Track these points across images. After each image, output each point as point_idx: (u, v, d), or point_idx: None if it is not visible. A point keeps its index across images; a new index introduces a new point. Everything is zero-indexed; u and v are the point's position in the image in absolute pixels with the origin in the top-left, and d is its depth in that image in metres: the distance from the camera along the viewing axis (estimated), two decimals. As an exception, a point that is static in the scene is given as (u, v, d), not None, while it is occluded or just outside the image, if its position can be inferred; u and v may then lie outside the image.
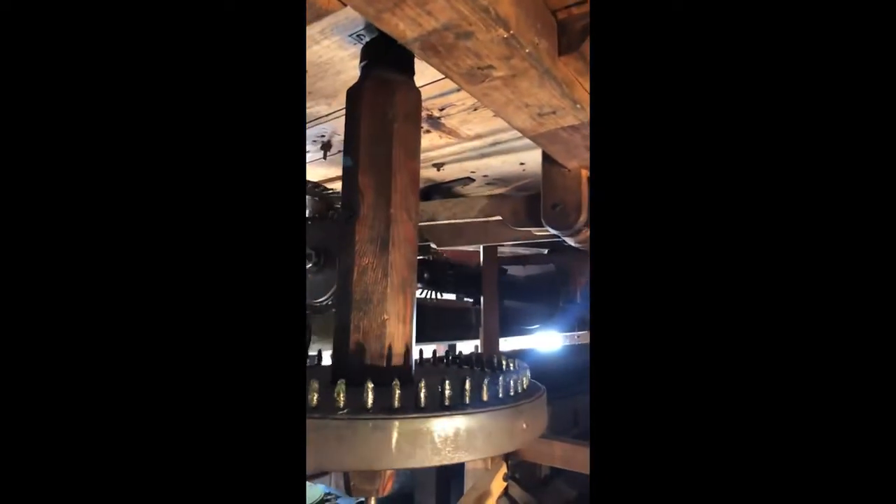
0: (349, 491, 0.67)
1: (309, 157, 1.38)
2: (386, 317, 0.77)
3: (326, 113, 1.11)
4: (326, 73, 0.94)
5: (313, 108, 1.10)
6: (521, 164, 1.40)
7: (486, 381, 0.63)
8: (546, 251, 2.27)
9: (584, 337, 2.88)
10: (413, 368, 0.80)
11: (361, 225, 0.79)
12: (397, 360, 0.76)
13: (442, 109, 1.09)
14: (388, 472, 0.70)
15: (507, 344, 2.65)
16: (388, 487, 0.71)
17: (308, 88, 1.01)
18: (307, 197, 1.36)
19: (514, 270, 2.43)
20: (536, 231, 1.24)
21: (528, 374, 0.78)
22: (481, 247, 1.97)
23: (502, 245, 2.04)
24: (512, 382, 0.69)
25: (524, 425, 0.64)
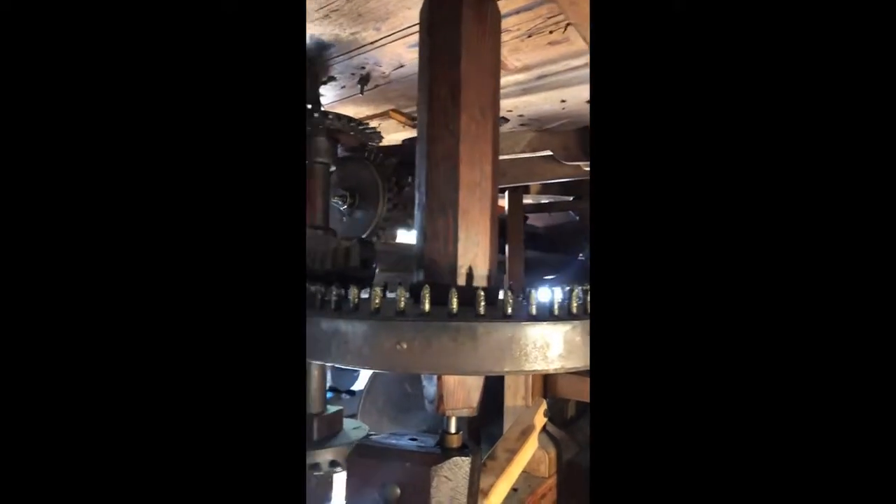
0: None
1: (344, 92, 1.34)
2: (426, 239, 0.76)
3: (373, 39, 1.07)
4: (382, -9, 0.90)
5: (358, 35, 1.05)
6: (563, 101, 1.36)
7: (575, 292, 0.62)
8: (571, 198, 2.25)
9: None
10: (461, 284, 0.76)
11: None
12: (445, 279, 0.74)
13: (493, 36, 1.05)
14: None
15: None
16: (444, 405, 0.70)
17: (357, 10, 0.97)
18: (342, 133, 1.32)
19: (536, 220, 2.41)
20: (586, 166, 1.22)
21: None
22: (507, 195, 1.94)
23: (527, 193, 2.02)
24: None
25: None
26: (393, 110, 1.48)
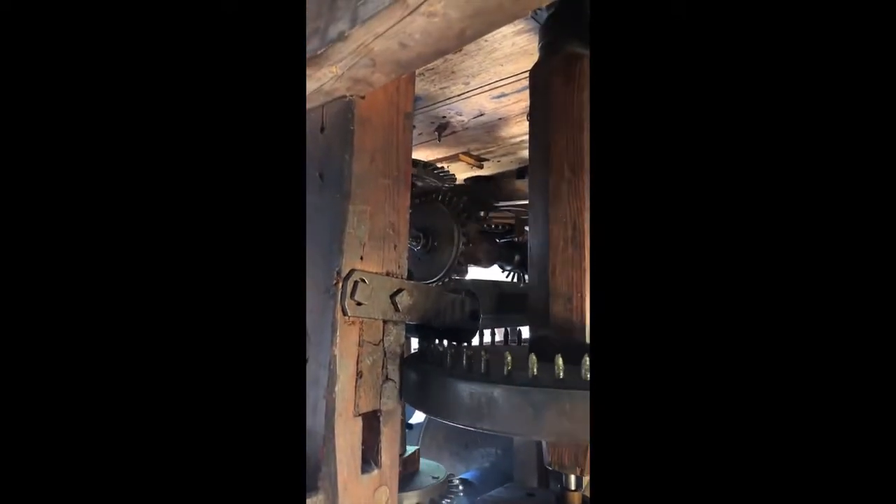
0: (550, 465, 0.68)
1: (421, 138, 1.39)
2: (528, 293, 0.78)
3: (460, 92, 1.11)
4: (480, 51, 0.94)
5: (447, 89, 1.10)
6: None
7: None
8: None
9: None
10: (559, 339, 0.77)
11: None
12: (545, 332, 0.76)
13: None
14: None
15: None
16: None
17: (452, 69, 1.01)
18: (420, 177, 1.36)
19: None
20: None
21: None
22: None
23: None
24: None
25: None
26: (463, 153, 1.52)
